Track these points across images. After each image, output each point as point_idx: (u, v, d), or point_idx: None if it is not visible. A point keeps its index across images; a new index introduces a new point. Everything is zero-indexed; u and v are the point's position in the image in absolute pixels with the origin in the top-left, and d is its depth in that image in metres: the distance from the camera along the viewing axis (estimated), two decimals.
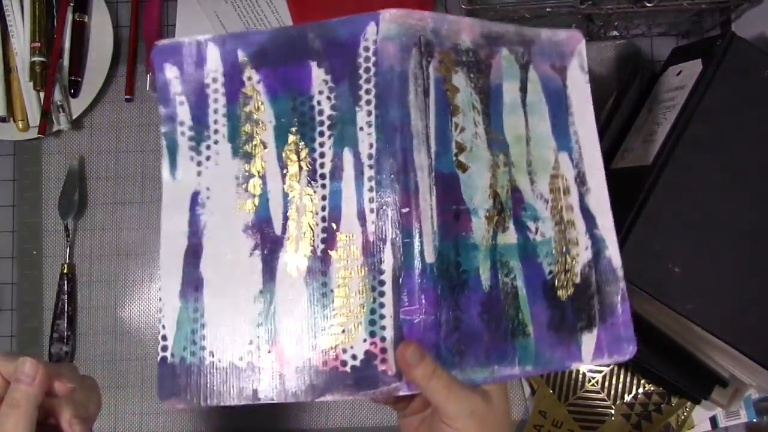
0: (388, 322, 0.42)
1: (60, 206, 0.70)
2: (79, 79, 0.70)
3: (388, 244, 0.43)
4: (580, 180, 0.48)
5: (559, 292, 0.46)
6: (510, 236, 0.46)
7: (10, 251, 0.71)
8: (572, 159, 0.48)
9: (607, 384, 0.67)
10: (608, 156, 0.64)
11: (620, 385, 0.67)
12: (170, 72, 0.46)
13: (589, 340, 0.46)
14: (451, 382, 0.40)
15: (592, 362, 0.46)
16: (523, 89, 0.48)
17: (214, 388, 0.44)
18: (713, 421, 0.67)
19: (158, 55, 0.46)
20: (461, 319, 0.43)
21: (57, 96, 0.69)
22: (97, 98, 0.71)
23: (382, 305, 0.43)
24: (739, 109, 0.58)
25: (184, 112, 0.46)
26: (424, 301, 0.42)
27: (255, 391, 0.43)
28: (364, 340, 0.43)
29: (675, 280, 0.54)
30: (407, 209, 0.43)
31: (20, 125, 0.70)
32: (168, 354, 0.44)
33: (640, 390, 0.67)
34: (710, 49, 0.60)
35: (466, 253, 0.44)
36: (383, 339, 0.42)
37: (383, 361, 0.42)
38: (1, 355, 0.41)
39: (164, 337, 0.44)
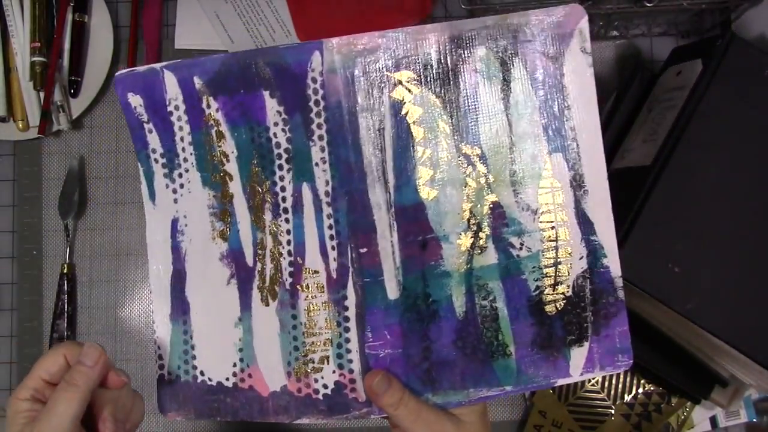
0: (355, 356, 0.44)
1: (60, 206, 0.70)
2: (79, 79, 0.70)
3: (350, 282, 0.44)
4: (577, 183, 0.44)
5: (547, 308, 0.44)
6: (489, 257, 0.44)
7: (10, 251, 0.71)
8: (568, 160, 0.44)
9: (607, 384, 0.67)
10: (608, 156, 0.63)
11: (620, 385, 0.67)
12: (134, 100, 0.46)
13: (578, 354, 0.44)
14: (419, 408, 0.41)
15: (581, 377, 0.44)
16: (506, 89, 0.43)
17: (206, 404, 0.45)
18: (713, 421, 0.67)
19: (120, 85, 0.46)
20: (432, 349, 0.44)
21: (57, 96, 0.69)
22: (97, 98, 0.71)
23: (347, 340, 0.44)
24: (739, 109, 0.58)
25: (154, 140, 0.46)
26: (389, 336, 0.43)
27: (237, 410, 0.45)
28: (333, 372, 0.44)
29: (675, 280, 0.54)
30: (365, 249, 0.44)
31: (20, 125, 0.70)
32: (165, 372, 0.46)
33: (640, 390, 0.67)
34: (710, 49, 0.60)
35: (436, 282, 0.43)
36: (351, 371, 0.44)
37: (353, 390, 0.44)
38: (69, 342, 0.44)
39: (160, 357, 0.46)
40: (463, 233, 0.44)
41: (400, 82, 0.43)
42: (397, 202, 0.43)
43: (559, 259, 0.44)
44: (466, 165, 0.43)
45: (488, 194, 0.43)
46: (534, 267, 0.44)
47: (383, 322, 0.44)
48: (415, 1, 0.71)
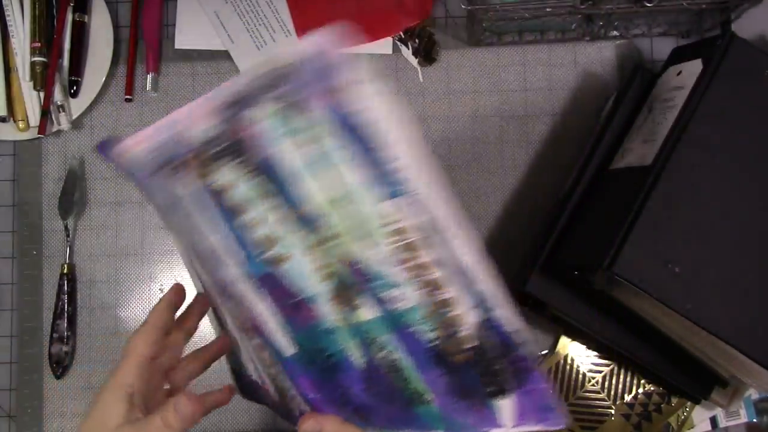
0: (293, 393, 0.46)
1: (60, 206, 0.70)
2: (79, 79, 0.70)
3: (255, 342, 0.45)
4: (433, 227, 0.37)
5: (453, 358, 0.40)
6: (366, 312, 0.40)
7: (10, 251, 0.71)
8: (409, 204, 0.36)
9: (607, 384, 0.67)
10: (608, 156, 0.64)
11: (620, 385, 0.67)
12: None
13: (505, 406, 0.41)
14: None
15: (519, 428, 0.41)
16: (310, 141, 0.36)
17: (255, 393, 0.52)
18: (713, 421, 0.67)
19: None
20: (349, 394, 0.42)
21: (57, 96, 0.69)
22: (97, 98, 0.71)
23: (283, 380, 0.46)
24: (739, 109, 0.58)
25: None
26: (302, 386, 0.43)
27: (262, 399, 0.52)
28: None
29: (675, 280, 0.54)
30: (245, 320, 0.43)
31: (20, 125, 0.70)
32: (239, 368, 0.53)
33: (640, 390, 0.67)
34: (710, 49, 0.60)
35: (324, 338, 0.41)
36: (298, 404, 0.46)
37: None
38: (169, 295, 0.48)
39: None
40: (329, 293, 0.40)
41: (194, 164, 0.38)
42: (253, 274, 0.40)
43: (443, 310, 0.39)
44: (302, 228, 0.38)
45: (339, 253, 0.38)
46: (420, 318, 0.39)
47: (294, 374, 0.43)
48: (416, 2, 0.71)
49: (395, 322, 0.40)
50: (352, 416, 0.43)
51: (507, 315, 0.39)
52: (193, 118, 0.37)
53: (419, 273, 0.38)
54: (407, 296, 0.39)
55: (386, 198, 0.36)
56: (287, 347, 0.42)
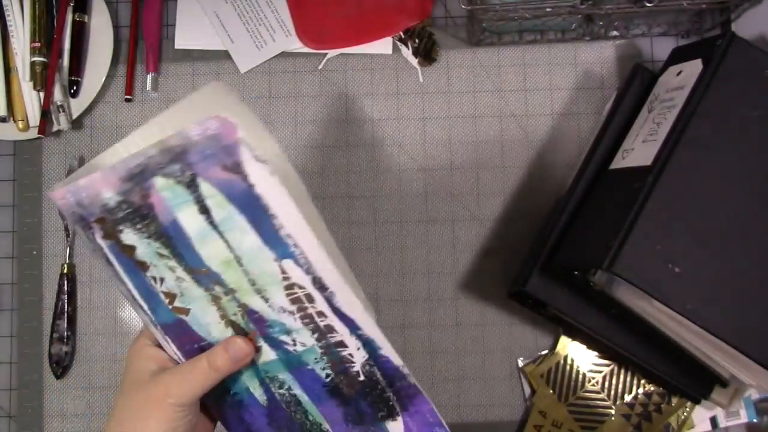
0: None
1: None
2: (79, 79, 0.70)
3: None
4: (320, 285, 0.42)
5: (346, 391, 0.46)
6: (267, 354, 0.45)
7: (10, 251, 0.71)
8: (300, 265, 0.42)
9: (607, 384, 0.67)
10: (608, 156, 0.64)
11: (620, 385, 0.67)
12: None
13: (395, 428, 0.47)
14: None
15: None
16: (204, 210, 0.41)
17: None
18: (713, 421, 0.67)
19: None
20: (253, 429, 0.47)
21: (57, 96, 0.69)
22: (97, 98, 0.71)
23: None
24: (739, 109, 0.58)
25: None
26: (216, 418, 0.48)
27: None
28: None
29: (675, 280, 0.54)
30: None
31: (20, 125, 0.70)
32: None
33: (640, 390, 0.67)
34: (710, 49, 0.60)
35: (230, 378, 0.45)
36: None
37: None
38: None
39: None
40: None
41: (103, 227, 0.42)
42: (160, 322, 0.44)
43: (337, 350, 0.45)
44: (203, 284, 0.43)
45: (239, 304, 0.43)
46: (316, 358, 0.45)
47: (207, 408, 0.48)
48: (416, 2, 0.71)
49: (293, 362, 0.45)
50: None
51: (391, 353, 0.45)
52: (97, 187, 0.40)
53: (311, 320, 0.44)
54: (303, 339, 0.44)
55: (279, 258, 0.42)
56: None
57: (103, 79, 0.70)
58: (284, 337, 0.44)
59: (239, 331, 0.44)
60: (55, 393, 0.69)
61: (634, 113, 0.65)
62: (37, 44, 0.69)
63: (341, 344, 0.44)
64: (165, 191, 0.40)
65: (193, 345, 0.44)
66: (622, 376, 0.67)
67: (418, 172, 0.71)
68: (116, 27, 0.72)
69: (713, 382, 0.62)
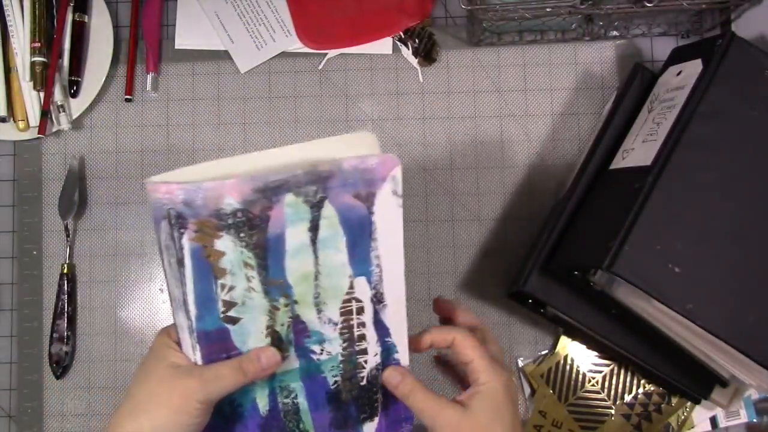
0: None
1: (60, 206, 0.70)
2: (79, 79, 0.70)
3: None
4: (377, 299, 0.47)
5: (343, 396, 0.48)
6: (291, 363, 0.47)
7: (10, 251, 0.71)
8: (370, 282, 0.47)
9: (607, 384, 0.67)
10: (608, 156, 0.64)
11: (620, 385, 0.67)
12: None
13: (369, 428, 0.49)
14: (426, 396, 0.46)
15: None
16: (314, 228, 0.45)
17: None
18: (713, 421, 0.67)
19: None
20: None
21: (57, 96, 0.70)
22: (97, 98, 0.71)
23: None
24: (739, 109, 0.58)
25: None
26: None
27: None
28: None
29: (675, 280, 0.54)
30: None
31: (20, 125, 0.70)
32: None
33: (640, 390, 0.67)
34: (710, 49, 0.60)
35: (241, 390, 0.46)
36: None
37: None
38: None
39: None
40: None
41: (200, 229, 0.43)
42: (199, 329, 0.45)
43: (356, 358, 0.48)
44: (271, 295, 0.46)
45: (292, 315, 0.46)
46: (333, 366, 0.48)
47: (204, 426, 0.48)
48: (416, 2, 0.71)
49: (311, 370, 0.48)
50: None
51: (405, 355, 0.48)
52: (223, 192, 0.43)
53: (349, 330, 0.47)
54: (331, 348, 0.47)
55: (354, 275, 0.46)
56: None
57: (103, 79, 0.70)
58: (315, 347, 0.47)
59: (275, 341, 0.46)
60: (55, 393, 0.69)
61: (634, 113, 0.65)
62: (37, 44, 0.69)
63: (364, 352, 0.48)
64: (289, 207, 0.44)
65: (221, 354, 0.46)
66: (622, 376, 0.67)
67: (418, 172, 0.71)
68: (116, 27, 0.72)
69: (713, 382, 0.63)
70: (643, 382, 0.67)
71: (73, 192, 0.70)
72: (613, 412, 0.67)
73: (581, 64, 0.72)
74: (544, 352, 0.69)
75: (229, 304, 0.45)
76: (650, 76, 0.66)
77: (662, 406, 0.67)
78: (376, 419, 0.49)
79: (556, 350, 0.68)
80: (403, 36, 0.72)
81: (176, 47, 0.72)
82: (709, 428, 0.67)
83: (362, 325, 0.47)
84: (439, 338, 0.48)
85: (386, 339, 0.48)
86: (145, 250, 0.71)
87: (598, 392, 0.67)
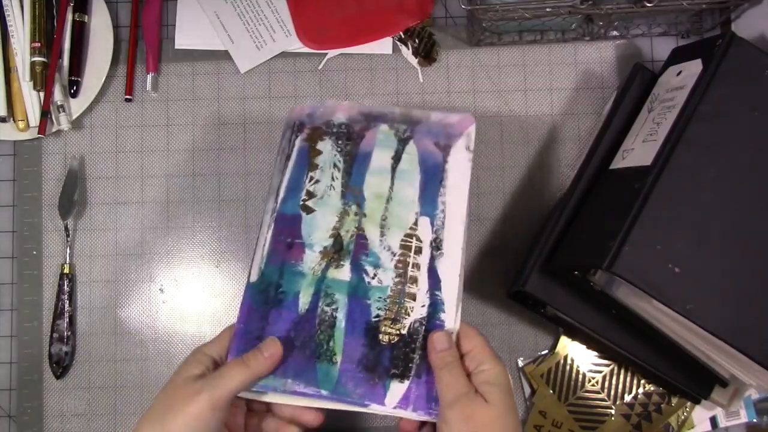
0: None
1: (60, 206, 0.70)
2: (79, 79, 0.70)
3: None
4: (436, 245, 0.52)
5: (381, 337, 0.49)
6: (343, 273, 0.51)
7: (10, 251, 0.71)
8: (433, 224, 0.52)
9: (607, 384, 0.67)
10: (608, 156, 0.64)
11: (620, 385, 0.67)
12: None
13: (398, 388, 0.48)
14: (460, 376, 0.46)
15: (393, 410, 0.48)
16: (397, 158, 0.55)
17: None
18: (713, 421, 0.67)
19: None
20: (266, 331, 0.50)
21: (57, 96, 0.69)
22: (97, 98, 0.71)
23: None
24: (739, 109, 0.58)
25: None
26: (239, 312, 0.52)
27: None
28: None
29: (675, 280, 0.54)
30: (256, 241, 0.55)
31: (20, 125, 0.70)
32: None
33: (640, 390, 0.67)
34: (710, 49, 0.60)
35: (290, 277, 0.52)
36: None
37: None
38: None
39: None
40: (326, 248, 0.53)
41: (312, 133, 0.57)
42: (280, 210, 0.54)
43: (403, 300, 0.50)
44: (347, 199, 0.54)
45: (358, 226, 0.53)
46: (380, 297, 0.51)
47: (242, 301, 0.52)
48: (416, 2, 0.71)
49: (359, 290, 0.51)
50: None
51: (451, 317, 0.50)
52: (337, 109, 0.57)
53: (404, 266, 0.51)
54: (384, 278, 0.51)
55: (420, 213, 0.53)
56: (254, 274, 0.53)
57: (103, 79, 0.70)
58: (370, 268, 0.52)
59: (338, 245, 0.52)
60: (55, 393, 0.69)
61: (634, 113, 0.65)
62: (37, 44, 0.69)
63: (412, 297, 0.51)
64: (381, 134, 0.56)
65: (286, 239, 0.53)
66: (622, 376, 0.67)
67: None
68: (116, 27, 0.72)
69: (713, 382, 0.62)
70: (643, 382, 0.67)
71: (73, 192, 0.70)
72: (613, 412, 0.67)
73: (581, 64, 0.72)
74: (544, 352, 0.69)
75: (310, 194, 0.54)
76: (650, 76, 0.66)
77: (662, 406, 0.67)
78: (407, 383, 0.48)
79: (556, 350, 0.68)
80: (403, 36, 0.72)
81: (176, 47, 0.72)
82: (709, 428, 0.67)
83: (417, 267, 0.51)
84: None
85: (436, 292, 0.50)
86: (145, 250, 0.71)
87: (598, 392, 0.67)
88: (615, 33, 0.71)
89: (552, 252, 0.62)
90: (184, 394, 0.45)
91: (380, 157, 0.55)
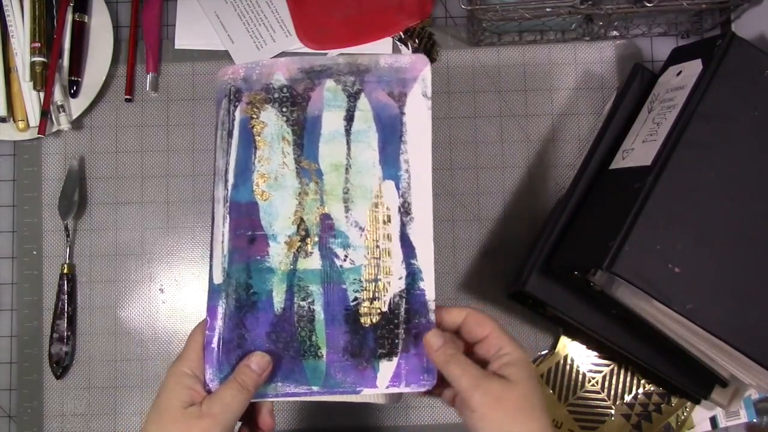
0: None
1: (60, 206, 0.70)
2: (79, 79, 0.70)
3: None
4: (405, 210, 0.48)
5: (363, 319, 0.47)
6: (313, 262, 0.48)
7: (10, 251, 0.71)
8: (399, 188, 0.48)
9: (607, 384, 0.67)
10: (608, 156, 0.64)
11: (620, 385, 0.67)
12: None
13: (387, 368, 0.47)
14: (467, 365, 0.44)
15: (387, 390, 0.47)
16: (349, 118, 0.49)
17: None
18: (713, 421, 0.67)
19: None
20: (245, 338, 0.47)
21: (57, 96, 0.69)
22: (97, 98, 0.71)
23: None
24: (739, 109, 0.58)
25: None
26: (209, 318, 0.48)
27: None
28: None
29: (675, 280, 0.54)
30: (210, 237, 0.50)
31: (20, 125, 0.70)
32: None
33: (640, 390, 0.67)
34: (710, 49, 0.60)
35: (259, 275, 0.47)
36: None
37: None
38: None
39: None
40: (291, 236, 0.48)
41: (251, 101, 0.50)
42: (233, 199, 0.48)
43: (379, 276, 0.47)
44: (302, 177, 0.49)
45: (320, 206, 0.48)
46: (355, 279, 0.47)
47: (208, 305, 0.48)
48: (416, 2, 0.71)
49: (332, 276, 0.48)
50: (234, 364, 0.46)
51: (431, 286, 0.47)
52: (274, 68, 0.50)
53: (376, 241, 0.48)
54: (356, 258, 0.48)
55: (383, 178, 0.48)
56: (217, 275, 0.49)
57: (103, 79, 0.70)
58: (339, 250, 0.48)
59: (303, 232, 0.48)
60: (55, 393, 0.69)
61: (634, 113, 0.65)
62: (37, 44, 0.69)
63: (388, 271, 0.48)
64: (328, 92, 0.49)
65: (246, 232, 0.48)
66: (622, 376, 0.67)
67: None
68: (116, 27, 0.72)
69: (713, 382, 0.63)
70: (643, 382, 0.67)
71: (73, 192, 0.70)
72: (613, 412, 0.67)
73: (581, 64, 0.72)
74: (544, 352, 0.69)
75: (264, 177, 0.48)
76: (650, 76, 0.66)
77: (662, 406, 0.67)
78: (395, 359, 0.47)
79: (556, 350, 0.68)
80: (403, 36, 0.72)
81: (176, 47, 0.72)
82: (709, 428, 0.67)
83: (388, 237, 0.48)
84: (449, 317, 0.47)
85: (412, 261, 0.47)
86: (145, 250, 0.71)
87: (598, 392, 0.67)
88: (615, 33, 0.71)
89: (552, 252, 0.62)
90: (187, 426, 0.43)
91: (331, 120, 0.49)
